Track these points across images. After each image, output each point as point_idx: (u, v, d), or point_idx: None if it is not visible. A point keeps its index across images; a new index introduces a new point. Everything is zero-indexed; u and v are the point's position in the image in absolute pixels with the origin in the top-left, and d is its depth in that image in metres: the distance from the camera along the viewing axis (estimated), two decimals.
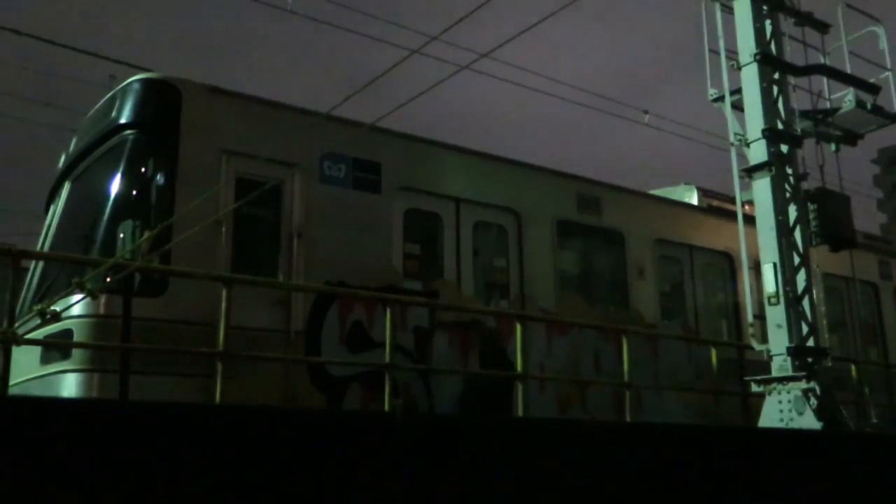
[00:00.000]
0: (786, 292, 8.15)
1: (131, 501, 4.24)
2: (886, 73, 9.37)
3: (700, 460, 6.60)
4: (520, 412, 7.03)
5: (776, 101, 8.66)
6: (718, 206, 12.11)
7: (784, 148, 8.58)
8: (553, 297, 9.57)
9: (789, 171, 8.57)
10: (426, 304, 8.40)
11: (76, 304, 6.09)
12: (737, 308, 11.40)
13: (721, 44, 8.74)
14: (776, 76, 8.73)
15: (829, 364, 8.26)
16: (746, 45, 8.69)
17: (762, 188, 8.42)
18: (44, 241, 8.32)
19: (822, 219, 8.49)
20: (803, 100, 9.07)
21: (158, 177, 7.43)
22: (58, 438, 4.11)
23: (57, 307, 5.37)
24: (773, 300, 8.16)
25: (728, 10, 8.89)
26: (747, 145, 8.56)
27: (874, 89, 9.24)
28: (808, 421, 7.69)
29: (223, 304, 5.87)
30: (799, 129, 8.78)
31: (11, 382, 5.22)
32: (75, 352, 6.64)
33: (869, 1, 9.53)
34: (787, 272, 8.23)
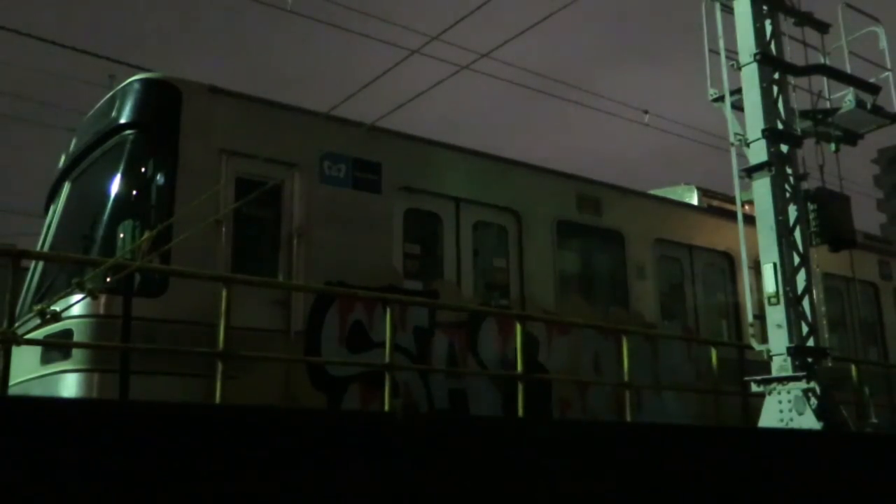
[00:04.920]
0: (786, 292, 8.15)
1: (131, 501, 4.24)
2: (886, 73, 9.36)
3: (700, 460, 6.60)
4: (520, 412, 7.04)
5: (776, 101, 8.66)
6: (718, 206, 12.12)
7: (784, 148, 8.57)
8: (553, 297, 9.58)
9: (789, 171, 8.56)
10: (426, 304, 8.41)
11: (76, 304, 6.09)
12: (737, 308, 11.40)
13: (721, 44, 8.74)
14: (776, 76, 8.72)
15: (829, 364, 8.25)
16: (746, 45, 8.68)
17: (762, 188, 8.42)
18: (44, 241, 8.32)
19: (822, 219, 8.48)
20: (803, 100, 9.07)
21: (158, 177, 7.43)
22: (58, 438, 4.11)
23: (57, 307, 5.36)
24: (773, 300, 8.16)
25: (728, 10, 8.88)
26: (747, 145, 8.56)
27: (874, 89, 9.24)
28: (808, 421, 7.68)
29: (223, 304, 5.88)
30: (799, 129, 8.77)
31: (11, 382, 5.23)
32: (75, 352, 6.64)
33: (869, 1, 9.53)
34: (787, 272, 8.22)
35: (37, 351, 6.74)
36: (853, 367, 9.71)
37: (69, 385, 6.60)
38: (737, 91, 8.72)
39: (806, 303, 8.27)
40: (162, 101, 7.63)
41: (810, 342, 8.16)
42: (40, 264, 7.85)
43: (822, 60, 9.14)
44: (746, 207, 8.58)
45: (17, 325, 5.19)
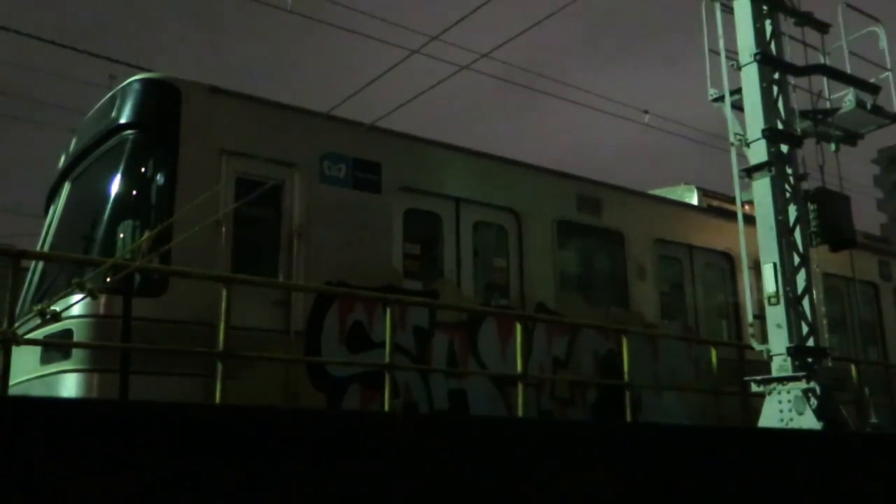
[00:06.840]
0: (786, 292, 8.15)
1: (130, 501, 4.24)
2: (886, 73, 9.36)
3: (700, 460, 6.60)
4: (520, 412, 7.04)
5: (776, 101, 8.66)
6: (718, 206, 12.12)
7: (784, 148, 8.58)
8: (553, 297, 9.58)
9: (789, 171, 8.56)
10: (426, 304, 8.41)
11: (76, 304, 6.09)
12: (737, 308, 11.41)
13: (721, 44, 8.74)
14: (776, 76, 8.73)
15: (829, 364, 8.26)
16: (746, 45, 8.68)
17: (762, 188, 8.42)
18: (44, 241, 8.32)
19: (822, 219, 8.48)
20: (803, 100, 9.08)
21: (158, 177, 7.43)
22: (58, 438, 4.11)
23: (57, 307, 5.36)
24: (773, 300, 8.16)
25: (728, 10, 8.88)
26: (747, 145, 8.56)
27: (874, 89, 9.24)
28: (808, 421, 7.68)
29: (223, 304, 5.88)
30: (799, 129, 8.78)
31: (11, 382, 5.23)
32: (75, 352, 6.64)
33: (869, 1, 9.53)
34: (787, 272, 8.23)
35: (37, 351, 6.74)
36: (853, 367, 9.72)
37: (69, 385, 6.60)
38: (737, 91, 8.72)
39: (806, 303, 8.27)
40: (162, 101, 7.63)
41: (810, 342, 8.16)
42: (40, 264, 7.85)
43: (822, 60, 9.14)
44: (746, 207, 8.58)
45: (17, 325, 5.19)
